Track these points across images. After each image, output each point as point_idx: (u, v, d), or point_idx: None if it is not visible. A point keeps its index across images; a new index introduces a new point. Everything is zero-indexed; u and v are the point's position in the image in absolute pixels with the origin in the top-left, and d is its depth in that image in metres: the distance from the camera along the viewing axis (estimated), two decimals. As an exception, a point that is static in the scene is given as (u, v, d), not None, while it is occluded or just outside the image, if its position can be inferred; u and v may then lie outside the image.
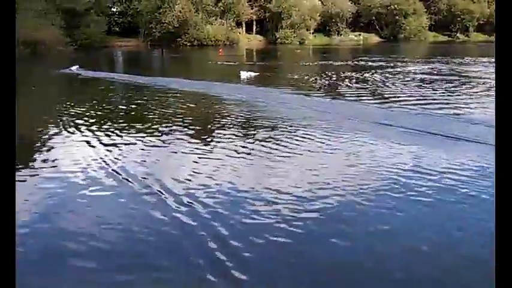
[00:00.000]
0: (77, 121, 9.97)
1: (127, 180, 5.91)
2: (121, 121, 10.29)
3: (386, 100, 12.35)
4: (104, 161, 6.81)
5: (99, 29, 51.40)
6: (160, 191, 5.44)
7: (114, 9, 62.74)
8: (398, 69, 21.45)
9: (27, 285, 3.55)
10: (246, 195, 5.35)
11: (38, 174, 6.34)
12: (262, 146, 7.61)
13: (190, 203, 5.08)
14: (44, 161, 7.02)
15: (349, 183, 5.68)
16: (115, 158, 7.00)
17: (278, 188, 5.49)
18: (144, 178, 5.94)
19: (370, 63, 25.14)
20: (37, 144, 8.18)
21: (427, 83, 16.06)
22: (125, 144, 7.92)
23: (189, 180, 5.88)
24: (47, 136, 8.78)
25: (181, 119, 10.07)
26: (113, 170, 6.37)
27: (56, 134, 8.96)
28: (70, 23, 47.26)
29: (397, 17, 69.04)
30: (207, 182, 5.78)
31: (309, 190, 5.45)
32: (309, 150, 7.31)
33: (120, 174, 6.14)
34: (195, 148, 7.59)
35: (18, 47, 39.00)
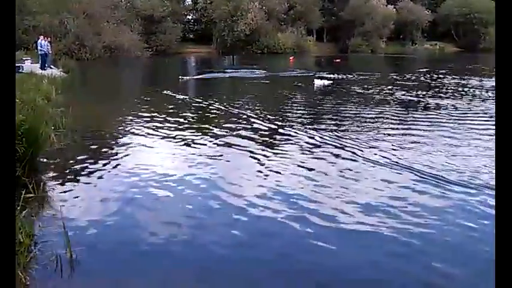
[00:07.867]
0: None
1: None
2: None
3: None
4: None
5: (174, 36, 53.04)
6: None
7: (189, 17, 64.16)
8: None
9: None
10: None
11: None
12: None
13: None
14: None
15: None
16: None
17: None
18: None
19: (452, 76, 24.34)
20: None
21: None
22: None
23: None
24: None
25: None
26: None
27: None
28: (147, 30, 49.32)
29: (476, 26, 65.25)
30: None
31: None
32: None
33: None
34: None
35: (100, 50, 41.49)
